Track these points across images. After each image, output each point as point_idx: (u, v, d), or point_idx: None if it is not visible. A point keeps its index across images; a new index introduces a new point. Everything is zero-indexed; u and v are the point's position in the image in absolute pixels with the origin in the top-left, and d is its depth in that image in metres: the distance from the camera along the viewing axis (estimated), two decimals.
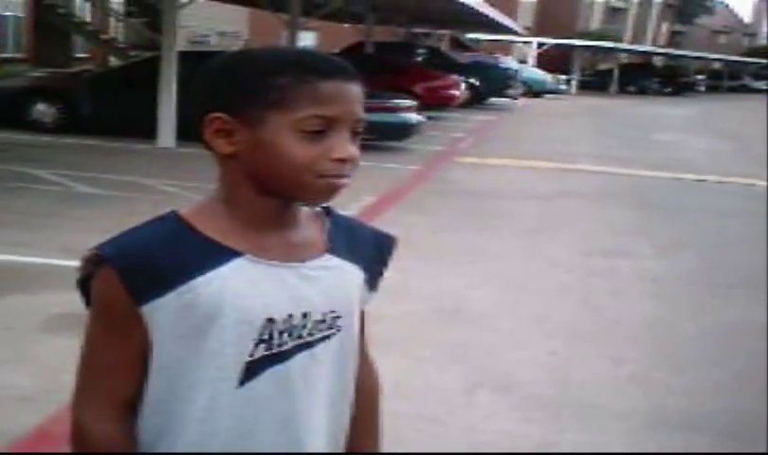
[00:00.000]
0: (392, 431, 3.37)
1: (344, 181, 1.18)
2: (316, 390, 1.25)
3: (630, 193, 10.94)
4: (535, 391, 4.21)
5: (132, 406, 1.21)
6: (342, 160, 1.16)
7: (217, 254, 1.17)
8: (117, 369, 1.19)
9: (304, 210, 1.25)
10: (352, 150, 1.17)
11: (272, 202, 1.20)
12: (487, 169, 12.51)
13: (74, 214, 7.30)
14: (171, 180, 9.09)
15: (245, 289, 1.17)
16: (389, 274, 1.39)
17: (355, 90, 1.18)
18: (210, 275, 1.16)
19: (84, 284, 1.21)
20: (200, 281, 1.15)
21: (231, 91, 1.17)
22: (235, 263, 1.17)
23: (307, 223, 1.26)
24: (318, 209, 1.28)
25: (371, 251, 1.33)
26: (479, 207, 9.32)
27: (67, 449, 1.23)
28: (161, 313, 1.16)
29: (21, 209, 7.33)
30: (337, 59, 1.20)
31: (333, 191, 1.18)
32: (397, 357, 4.43)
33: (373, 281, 1.33)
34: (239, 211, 1.20)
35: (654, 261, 7.22)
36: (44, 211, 7.34)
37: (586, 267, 6.79)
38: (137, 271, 1.14)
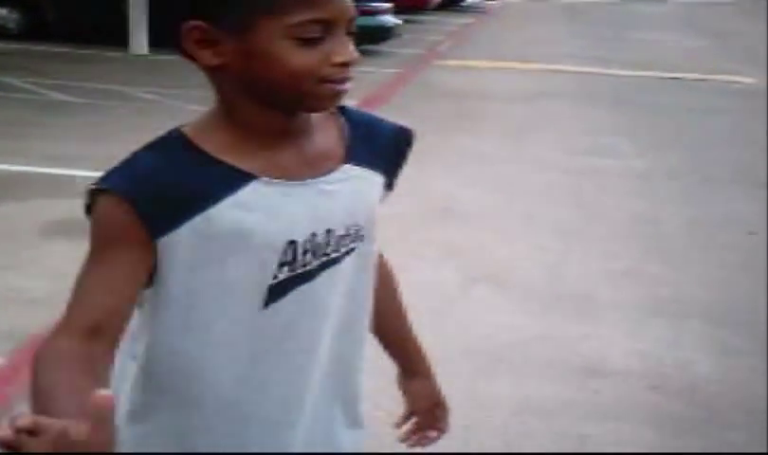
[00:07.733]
0: None
1: (348, 86, 1.10)
2: (338, 299, 1.21)
3: (611, 93, 10.92)
4: (530, 285, 4.28)
5: (105, 333, 1.05)
6: (345, 64, 1.08)
7: (231, 179, 1.09)
8: (97, 290, 1.06)
9: (318, 115, 1.16)
10: (353, 52, 1.09)
11: (277, 113, 1.11)
12: (469, 71, 12.41)
13: (53, 122, 7.19)
14: (148, 87, 8.95)
15: (263, 214, 1.10)
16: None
17: None
18: (227, 202, 1.09)
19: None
20: (217, 209, 1.08)
21: None
22: (251, 188, 1.10)
23: (322, 129, 1.18)
24: (332, 109, 1.19)
25: (391, 149, 1.26)
26: (463, 108, 9.27)
27: None
28: (176, 245, 1.08)
29: None
30: None
31: (337, 96, 1.11)
32: (392, 255, 4.45)
33: (390, 181, 1.27)
34: (245, 127, 1.11)
35: (639, 159, 7.26)
36: (22, 120, 7.21)
37: (571, 166, 6.82)
38: (152, 203, 1.06)
